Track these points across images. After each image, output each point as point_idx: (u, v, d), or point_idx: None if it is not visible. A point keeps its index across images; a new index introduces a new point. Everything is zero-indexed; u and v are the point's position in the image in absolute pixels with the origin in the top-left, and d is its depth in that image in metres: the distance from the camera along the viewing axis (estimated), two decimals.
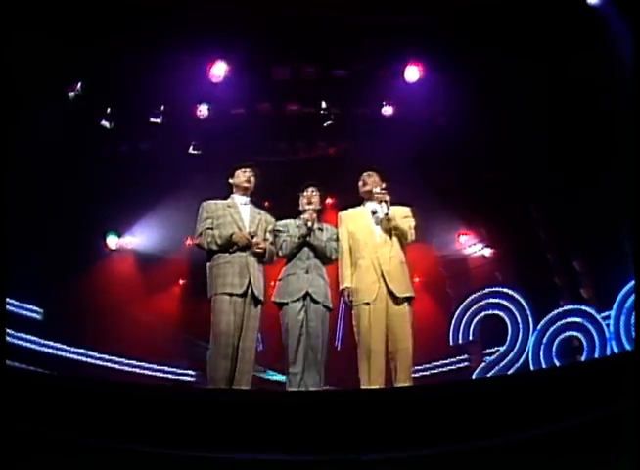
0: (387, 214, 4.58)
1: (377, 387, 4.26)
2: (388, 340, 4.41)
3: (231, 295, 4.33)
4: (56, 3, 6.19)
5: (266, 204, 6.82)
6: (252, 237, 4.48)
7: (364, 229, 4.66)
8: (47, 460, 2.69)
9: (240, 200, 4.71)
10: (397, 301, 4.46)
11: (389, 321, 4.43)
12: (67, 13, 6.28)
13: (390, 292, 4.46)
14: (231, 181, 4.78)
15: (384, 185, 4.79)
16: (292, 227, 4.79)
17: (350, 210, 4.84)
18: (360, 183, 4.86)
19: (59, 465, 2.69)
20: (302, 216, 4.79)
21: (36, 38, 6.10)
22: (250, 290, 4.37)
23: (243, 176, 4.73)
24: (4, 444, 2.60)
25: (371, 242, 4.60)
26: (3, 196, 3.77)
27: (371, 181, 4.81)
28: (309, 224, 4.65)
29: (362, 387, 4.35)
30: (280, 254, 4.77)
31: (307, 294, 4.57)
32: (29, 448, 2.72)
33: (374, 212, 4.69)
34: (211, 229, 4.50)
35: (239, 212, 4.61)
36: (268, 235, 4.68)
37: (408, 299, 4.52)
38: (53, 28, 6.30)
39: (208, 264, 4.52)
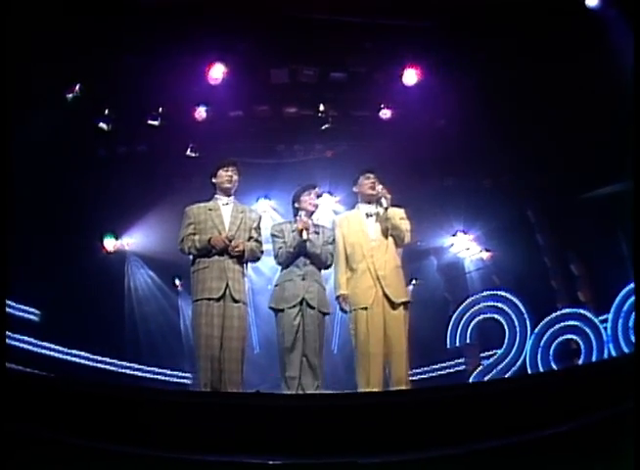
0: (386, 208, 4.55)
1: (374, 390, 4.26)
2: (385, 343, 4.41)
3: (209, 299, 4.33)
4: (54, 4, 6.19)
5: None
6: (230, 240, 4.45)
7: (359, 233, 4.66)
8: (45, 461, 2.69)
9: (222, 200, 4.67)
10: (394, 305, 4.47)
11: (387, 325, 4.43)
12: (65, 14, 6.28)
13: (387, 296, 4.46)
14: (214, 181, 4.74)
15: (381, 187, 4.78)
16: (287, 232, 4.77)
17: (345, 213, 4.84)
18: (361, 185, 4.81)
19: (57, 466, 2.68)
20: (297, 220, 4.75)
21: (34, 39, 6.09)
22: (228, 293, 4.36)
23: (225, 176, 4.68)
24: (1, 445, 2.59)
25: (366, 245, 4.60)
26: (2, 197, 3.77)
27: (371, 183, 4.76)
28: (304, 235, 4.60)
29: (360, 390, 4.35)
30: (276, 262, 4.78)
31: (303, 300, 4.57)
32: (26, 450, 2.72)
33: (369, 215, 4.68)
34: (194, 234, 4.50)
35: (220, 215, 4.58)
36: (253, 232, 4.64)
37: (404, 303, 4.52)
38: (51, 30, 6.30)
39: (191, 269, 4.54)
